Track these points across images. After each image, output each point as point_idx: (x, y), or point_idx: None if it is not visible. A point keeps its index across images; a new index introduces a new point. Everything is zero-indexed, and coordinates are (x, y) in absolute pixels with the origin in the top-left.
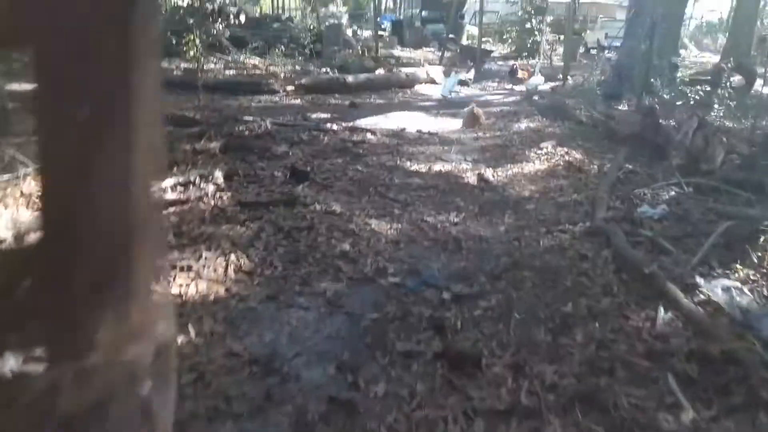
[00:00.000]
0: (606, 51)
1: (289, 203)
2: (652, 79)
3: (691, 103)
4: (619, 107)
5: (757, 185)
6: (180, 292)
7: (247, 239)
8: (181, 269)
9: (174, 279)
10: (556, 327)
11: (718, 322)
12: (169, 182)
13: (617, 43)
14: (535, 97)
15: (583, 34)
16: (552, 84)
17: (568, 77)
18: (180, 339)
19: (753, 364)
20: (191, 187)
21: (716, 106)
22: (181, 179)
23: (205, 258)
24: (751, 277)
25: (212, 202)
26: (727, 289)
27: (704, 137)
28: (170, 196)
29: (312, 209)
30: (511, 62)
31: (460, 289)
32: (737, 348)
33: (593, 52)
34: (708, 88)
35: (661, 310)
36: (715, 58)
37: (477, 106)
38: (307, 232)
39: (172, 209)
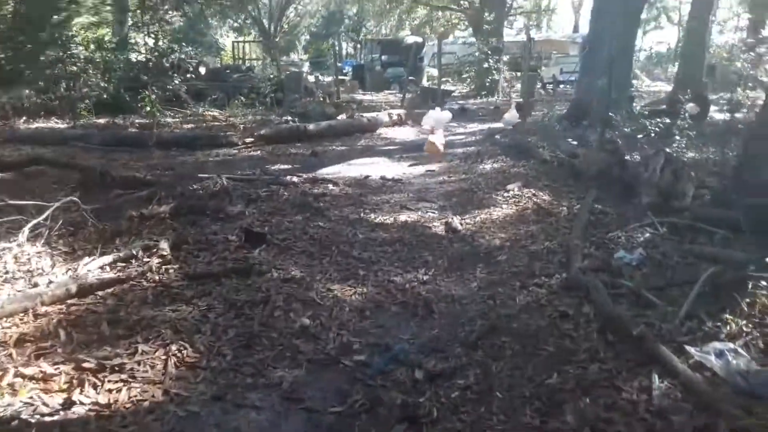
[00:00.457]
0: (561, 86)
1: (243, 272)
2: (611, 113)
3: (652, 135)
4: (582, 143)
5: (733, 222)
6: (108, 401)
7: (193, 322)
8: (112, 370)
9: (102, 384)
10: (543, 406)
11: (720, 392)
12: (107, 259)
13: (573, 78)
14: (497, 136)
15: (539, 71)
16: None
17: (529, 114)
18: None
19: None
20: (133, 261)
21: (677, 137)
22: (122, 253)
23: (142, 352)
24: (744, 329)
25: (156, 278)
26: (720, 354)
27: (673, 172)
28: (107, 275)
29: (268, 277)
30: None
31: (433, 365)
32: (748, 425)
33: (549, 87)
34: (667, 120)
35: (656, 378)
36: (668, 87)
37: (432, 137)
38: (263, 307)
39: (109, 290)
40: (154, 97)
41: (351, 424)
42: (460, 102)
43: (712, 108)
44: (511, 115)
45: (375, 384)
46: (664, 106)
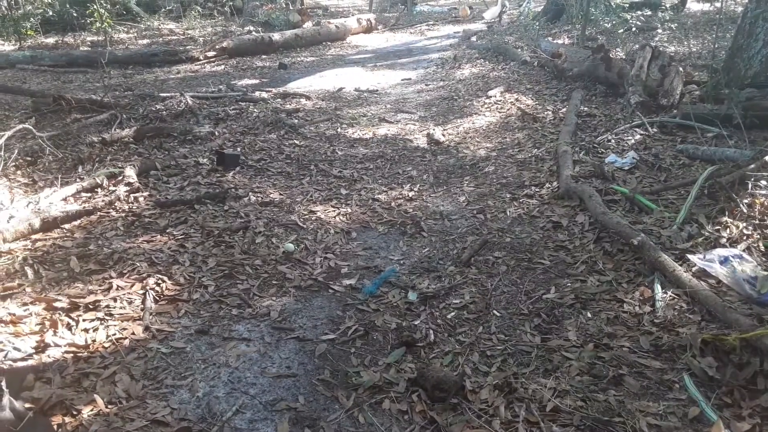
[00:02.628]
0: None
1: (218, 197)
2: (591, 8)
3: (633, 30)
4: (560, 41)
5: (726, 119)
6: (85, 342)
7: (169, 254)
8: (87, 308)
9: (77, 324)
10: (543, 323)
11: (728, 300)
12: (70, 190)
13: None
14: (473, 38)
15: None
16: (488, 22)
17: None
18: (85, 413)
19: None
20: (99, 191)
21: (659, 30)
22: (86, 183)
23: (117, 288)
24: (745, 232)
25: (125, 207)
26: (724, 260)
27: (660, 68)
28: (72, 207)
29: (246, 202)
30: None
31: (427, 286)
32: (758, 334)
33: None
34: (648, 12)
35: (659, 288)
36: None
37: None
38: (243, 233)
39: (75, 223)
40: (103, 11)
41: (346, 351)
42: (430, 3)
43: None
44: (491, 12)
45: (368, 309)
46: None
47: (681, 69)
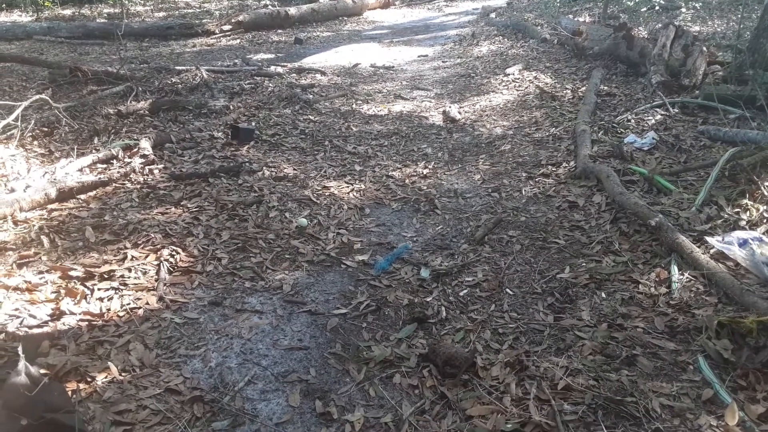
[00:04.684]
0: None
1: (232, 171)
2: None
3: (656, 8)
4: (581, 19)
5: (749, 100)
6: (99, 311)
7: (184, 226)
8: (102, 277)
9: (92, 293)
10: (556, 302)
11: (746, 283)
12: (85, 160)
13: None
14: (492, 15)
15: None
16: None
17: None
18: (99, 380)
19: None
20: (114, 162)
21: (683, 9)
22: (101, 154)
23: (132, 258)
24: (765, 214)
25: (141, 179)
26: (743, 243)
27: (684, 48)
28: (88, 177)
29: (260, 176)
30: None
31: (440, 263)
32: None
33: None
34: None
35: (675, 270)
36: None
37: None
38: (256, 207)
39: (91, 194)
40: None
41: (357, 326)
42: None
43: None
44: None
45: (380, 285)
46: None
47: (704, 49)
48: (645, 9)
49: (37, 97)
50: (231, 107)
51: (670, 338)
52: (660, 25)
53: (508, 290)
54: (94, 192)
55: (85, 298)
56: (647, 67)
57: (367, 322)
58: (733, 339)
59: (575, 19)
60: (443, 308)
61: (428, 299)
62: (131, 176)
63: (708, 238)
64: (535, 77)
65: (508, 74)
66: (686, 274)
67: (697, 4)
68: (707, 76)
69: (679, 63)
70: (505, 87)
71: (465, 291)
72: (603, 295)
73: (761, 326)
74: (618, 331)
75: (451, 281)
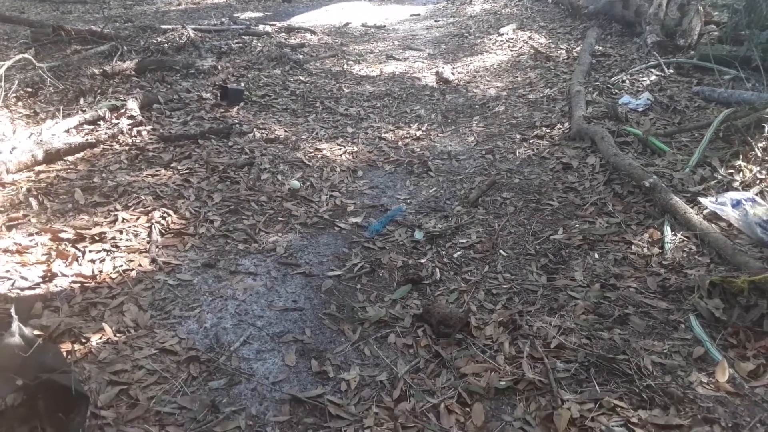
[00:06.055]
0: None
1: (222, 133)
2: None
3: None
4: None
5: (744, 60)
6: (92, 273)
7: (174, 188)
8: (93, 239)
9: (83, 255)
10: (549, 263)
11: (738, 243)
12: (72, 122)
13: None
14: None
15: None
16: None
17: None
18: (94, 341)
19: None
20: (101, 123)
21: None
22: (88, 115)
23: (122, 220)
24: (758, 176)
25: (129, 141)
26: (737, 204)
27: (680, 7)
28: (75, 139)
29: (250, 138)
30: None
31: (434, 225)
32: (766, 276)
33: None
34: None
35: (668, 230)
36: None
37: None
38: (248, 169)
39: (79, 155)
40: None
41: (351, 287)
42: None
43: None
44: None
45: (374, 246)
46: None
47: (700, 8)
48: None
49: (20, 56)
50: (219, 67)
51: (663, 297)
52: None
53: (501, 251)
54: (82, 154)
55: (77, 260)
56: (643, 27)
57: (362, 283)
58: (724, 298)
59: None
60: (437, 269)
61: (422, 261)
62: (119, 138)
63: (701, 199)
64: (530, 37)
65: (502, 34)
66: (679, 235)
67: None
68: (703, 36)
69: (674, 23)
70: (499, 47)
71: (459, 252)
72: (596, 255)
73: (752, 286)
74: (610, 290)
75: (445, 243)
